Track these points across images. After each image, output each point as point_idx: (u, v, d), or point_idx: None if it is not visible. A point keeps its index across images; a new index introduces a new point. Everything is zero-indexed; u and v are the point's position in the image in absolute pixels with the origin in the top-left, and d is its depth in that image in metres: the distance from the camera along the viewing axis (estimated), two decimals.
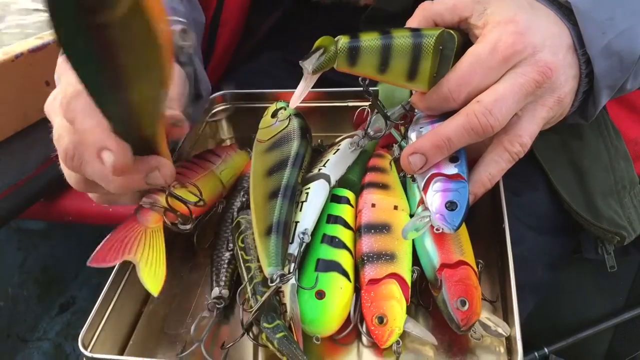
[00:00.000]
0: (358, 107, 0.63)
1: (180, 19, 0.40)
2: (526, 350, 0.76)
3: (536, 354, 0.76)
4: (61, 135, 0.44)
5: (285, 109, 0.55)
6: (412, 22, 0.51)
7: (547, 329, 0.79)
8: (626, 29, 0.48)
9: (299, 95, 0.46)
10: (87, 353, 0.43)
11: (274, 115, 0.55)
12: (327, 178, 0.49)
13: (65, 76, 0.45)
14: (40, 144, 1.03)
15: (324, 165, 0.50)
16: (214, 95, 0.67)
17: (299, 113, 0.54)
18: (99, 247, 0.48)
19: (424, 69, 0.47)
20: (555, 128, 0.53)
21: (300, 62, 0.44)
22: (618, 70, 0.49)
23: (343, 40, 0.45)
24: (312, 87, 0.49)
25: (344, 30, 0.76)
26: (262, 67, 0.78)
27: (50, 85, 1.01)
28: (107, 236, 0.48)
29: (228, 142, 0.72)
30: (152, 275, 0.46)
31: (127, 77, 0.33)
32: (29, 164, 1.02)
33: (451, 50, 0.47)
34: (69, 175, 0.47)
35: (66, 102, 0.42)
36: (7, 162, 0.98)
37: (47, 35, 1.02)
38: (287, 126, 0.52)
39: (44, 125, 1.07)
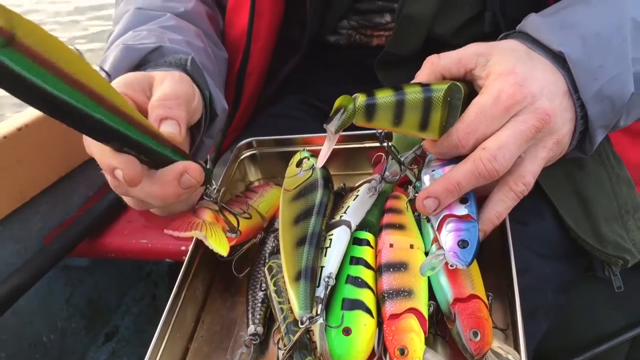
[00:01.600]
0: (374, 147, 0.67)
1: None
2: None
3: None
4: (101, 162, 0.49)
5: (308, 159, 0.59)
6: (420, 76, 0.56)
7: (565, 345, 0.82)
8: (615, 75, 0.52)
9: (325, 154, 0.51)
10: None
11: (298, 164, 0.60)
12: (348, 224, 0.53)
13: None
14: (82, 186, 1.10)
15: (345, 212, 0.55)
16: (240, 142, 0.72)
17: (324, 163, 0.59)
18: (175, 221, 0.57)
19: (434, 119, 0.51)
20: (559, 161, 0.57)
21: (324, 125, 0.49)
22: (610, 112, 0.53)
23: (360, 99, 0.49)
24: None
25: (359, 70, 0.82)
26: (284, 110, 0.83)
27: None
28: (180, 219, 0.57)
29: (257, 184, 0.77)
30: (219, 242, 0.55)
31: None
32: (72, 205, 1.08)
33: (459, 100, 0.52)
34: (126, 199, 0.54)
35: (84, 138, 0.49)
36: (52, 205, 1.04)
37: None
38: (310, 176, 0.57)
39: (84, 168, 1.14)
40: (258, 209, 0.62)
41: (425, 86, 0.52)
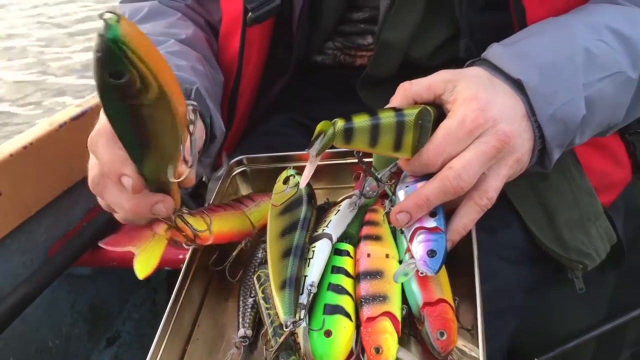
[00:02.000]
0: (356, 163, 0.72)
1: (193, 103, 0.51)
2: None
3: None
4: (91, 167, 0.56)
5: (294, 176, 0.65)
6: (394, 101, 0.61)
7: (539, 342, 0.87)
8: (568, 100, 0.58)
9: (307, 175, 0.56)
10: None
11: (285, 181, 0.65)
12: (329, 237, 0.58)
13: (97, 121, 0.57)
14: (83, 200, 1.15)
15: (327, 226, 0.60)
16: (232, 160, 0.77)
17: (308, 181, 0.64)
18: (113, 235, 0.61)
19: (407, 141, 0.56)
20: (524, 174, 0.62)
21: (306, 149, 0.53)
22: (564, 133, 0.59)
23: (339, 124, 0.54)
24: None
25: (344, 88, 0.87)
26: (273, 128, 0.88)
27: None
28: (124, 232, 0.60)
29: None
30: (143, 264, 0.58)
31: (152, 139, 0.47)
32: (74, 217, 1.13)
33: (429, 122, 0.57)
34: (99, 200, 0.58)
35: (90, 139, 0.54)
36: (56, 217, 1.09)
37: (85, 103, 1.14)
38: (296, 193, 0.62)
39: (85, 183, 1.19)
40: (250, 217, 0.67)
41: (398, 111, 0.57)
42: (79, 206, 1.14)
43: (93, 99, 1.16)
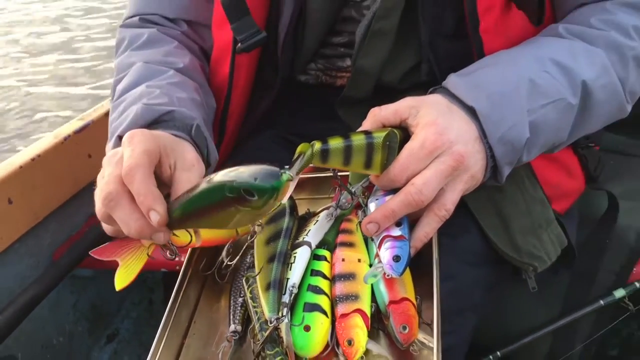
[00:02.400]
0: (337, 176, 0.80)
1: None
2: (481, 355, 0.93)
3: (490, 357, 0.93)
4: (109, 182, 0.59)
5: None
6: (365, 124, 0.69)
7: (500, 337, 0.95)
8: (514, 125, 0.66)
9: (288, 193, 0.63)
10: None
11: None
12: (309, 244, 0.66)
13: (127, 148, 0.61)
14: (85, 207, 1.22)
15: (307, 234, 0.68)
16: None
17: (290, 196, 0.72)
18: (103, 245, 0.67)
19: (376, 160, 0.64)
20: (482, 186, 0.70)
21: (286, 169, 0.59)
22: (512, 153, 0.67)
23: (316, 146, 0.62)
24: None
25: (326, 107, 0.94)
26: (261, 144, 0.95)
27: (92, 157, 1.20)
28: (113, 242, 0.66)
29: None
30: (123, 276, 0.65)
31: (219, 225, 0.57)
32: (77, 223, 1.21)
33: (395, 143, 0.65)
34: (99, 210, 0.62)
35: (128, 168, 0.58)
36: (60, 223, 1.16)
37: (87, 116, 1.22)
38: (279, 205, 0.70)
39: (87, 191, 1.28)
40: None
41: (368, 134, 0.65)
42: (82, 213, 1.21)
43: (95, 112, 1.24)
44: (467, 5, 0.74)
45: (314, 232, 0.68)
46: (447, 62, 0.80)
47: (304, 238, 0.67)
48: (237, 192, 0.51)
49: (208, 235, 0.69)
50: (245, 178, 0.51)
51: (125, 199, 0.58)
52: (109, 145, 0.74)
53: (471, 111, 0.67)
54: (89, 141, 1.18)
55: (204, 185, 0.55)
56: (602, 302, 0.93)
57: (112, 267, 1.12)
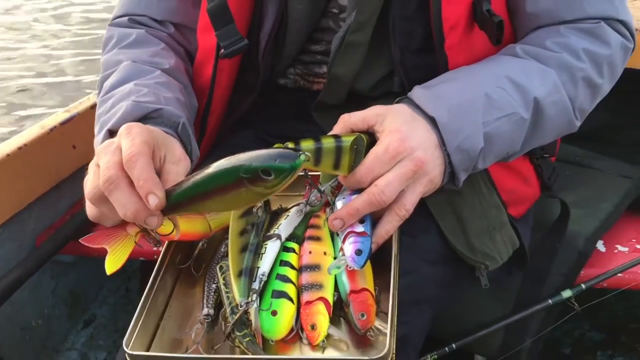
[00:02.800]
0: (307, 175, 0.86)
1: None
2: (439, 346, 0.98)
3: (446, 348, 0.99)
4: (109, 167, 0.62)
5: None
6: (336, 129, 0.75)
7: (455, 330, 1.01)
8: (469, 135, 0.72)
9: None
10: (128, 350, 0.63)
11: None
12: (279, 237, 0.71)
13: (126, 139, 0.64)
14: (69, 194, 1.26)
15: (278, 228, 0.73)
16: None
17: None
18: (92, 233, 0.69)
19: (344, 162, 0.70)
20: (442, 190, 0.76)
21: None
22: (467, 160, 0.73)
23: (289, 147, 0.67)
24: None
25: (302, 109, 0.99)
26: (239, 142, 1.00)
27: (76, 148, 1.24)
28: (100, 229, 0.69)
29: None
30: (113, 262, 0.68)
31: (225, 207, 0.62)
32: (60, 210, 1.24)
33: (362, 147, 0.71)
34: (93, 192, 0.65)
35: (130, 155, 0.62)
36: (44, 210, 1.20)
37: (73, 109, 1.26)
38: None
39: (71, 179, 1.31)
40: (210, 223, 0.78)
41: (337, 137, 0.70)
42: (65, 201, 1.25)
43: (80, 105, 1.27)
44: (434, 23, 0.80)
45: (284, 226, 0.73)
46: (415, 74, 0.86)
47: (274, 231, 0.72)
48: (254, 172, 0.57)
49: (186, 229, 0.73)
50: (265, 159, 0.57)
51: (124, 183, 0.62)
52: (99, 137, 0.77)
53: (432, 121, 0.72)
54: (74, 133, 1.22)
55: (212, 169, 0.60)
56: (550, 301, 1.00)
57: (92, 254, 1.17)
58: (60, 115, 1.22)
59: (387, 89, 0.90)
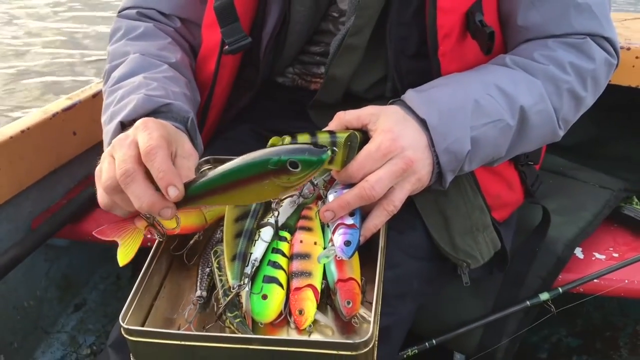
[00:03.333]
0: None
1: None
2: (419, 342, 1.02)
3: (427, 344, 1.02)
4: (125, 161, 0.65)
5: None
6: (331, 125, 0.78)
7: (436, 327, 1.04)
8: (457, 138, 0.75)
9: None
10: (124, 325, 0.65)
11: None
12: (272, 225, 0.74)
13: (143, 132, 0.67)
14: (66, 179, 1.28)
15: (271, 217, 0.76)
16: (201, 159, 0.92)
17: None
18: (104, 226, 0.71)
19: (337, 157, 0.73)
20: (429, 189, 0.79)
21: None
22: (455, 162, 0.76)
23: (286, 140, 0.70)
24: None
25: (299, 107, 1.03)
26: (237, 136, 1.02)
27: (76, 134, 1.26)
28: (112, 224, 0.72)
29: None
30: (124, 254, 0.71)
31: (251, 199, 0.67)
32: (57, 194, 1.27)
33: (355, 144, 0.74)
34: (108, 183, 0.67)
35: (150, 148, 0.65)
36: (41, 193, 1.22)
37: (75, 96, 1.28)
38: None
39: (70, 165, 1.34)
40: (206, 215, 0.80)
41: (332, 133, 0.74)
42: (62, 186, 1.27)
43: (82, 93, 1.30)
44: (429, 30, 0.83)
45: (280, 215, 0.76)
46: (409, 79, 0.89)
47: (268, 219, 0.75)
48: (282, 164, 0.60)
49: (184, 223, 0.76)
50: (296, 152, 0.61)
51: (140, 176, 0.65)
52: (109, 127, 0.79)
53: (423, 123, 0.76)
54: (75, 119, 1.25)
55: (240, 161, 0.63)
56: (528, 302, 1.03)
57: (86, 239, 1.20)
58: (62, 101, 1.24)
59: (382, 91, 0.94)
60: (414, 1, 0.85)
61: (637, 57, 1.31)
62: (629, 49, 1.32)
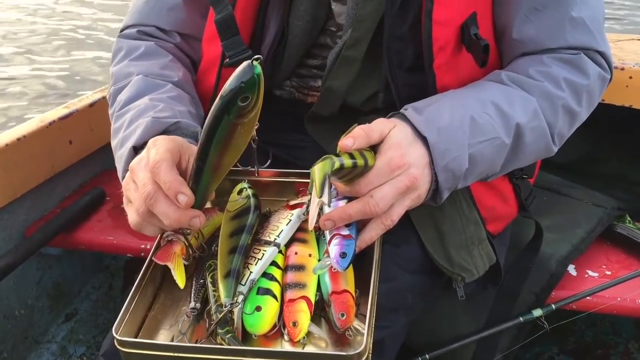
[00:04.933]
0: (296, 182, 0.88)
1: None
2: (411, 356, 1.01)
3: (420, 358, 1.01)
4: (145, 184, 0.69)
5: (246, 189, 0.80)
6: (360, 142, 0.74)
7: (429, 340, 1.04)
8: (455, 157, 0.76)
9: (313, 216, 0.71)
10: (117, 336, 0.65)
11: (239, 192, 0.81)
12: (278, 245, 0.74)
13: (152, 150, 0.71)
14: (60, 188, 1.28)
15: (278, 235, 0.75)
16: None
17: (255, 194, 0.80)
18: (157, 254, 0.74)
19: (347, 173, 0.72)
20: (420, 206, 0.79)
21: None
22: (452, 179, 0.77)
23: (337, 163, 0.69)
24: (270, 168, 0.83)
25: (296, 120, 1.02)
26: None
27: (72, 143, 1.26)
28: (160, 252, 0.74)
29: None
30: (180, 276, 0.72)
31: (225, 156, 0.66)
32: (51, 203, 1.26)
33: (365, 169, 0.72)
34: (133, 213, 0.71)
35: (154, 163, 0.69)
36: (35, 201, 1.22)
37: (72, 105, 1.28)
38: (246, 203, 0.78)
39: (64, 174, 1.33)
40: (203, 231, 0.79)
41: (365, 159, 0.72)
42: (57, 194, 1.26)
43: (80, 102, 1.30)
44: (424, 43, 0.84)
45: (285, 234, 0.76)
46: (405, 91, 0.90)
47: (275, 239, 0.75)
48: (235, 107, 0.61)
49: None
50: (233, 84, 0.60)
51: (161, 195, 0.68)
52: (121, 152, 0.81)
53: (424, 140, 0.76)
54: (72, 128, 1.25)
55: (205, 137, 0.65)
56: (521, 319, 1.03)
57: (79, 248, 1.19)
58: (59, 110, 1.24)
59: (378, 104, 0.94)
60: (410, 14, 0.86)
61: (630, 77, 1.32)
62: (622, 68, 1.33)
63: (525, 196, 1.02)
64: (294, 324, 0.67)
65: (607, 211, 1.21)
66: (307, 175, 0.77)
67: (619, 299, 1.05)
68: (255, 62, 0.60)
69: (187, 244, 0.74)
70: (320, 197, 0.68)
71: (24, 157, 1.13)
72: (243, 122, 0.63)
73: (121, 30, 1.01)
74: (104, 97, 1.33)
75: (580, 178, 1.37)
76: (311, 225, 0.72)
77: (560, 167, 1.36)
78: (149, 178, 0.69)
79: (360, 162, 0.71)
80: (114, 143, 0.85)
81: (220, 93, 0.63)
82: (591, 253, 1.16)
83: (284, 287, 0.71)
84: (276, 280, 0.72)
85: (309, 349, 0.67)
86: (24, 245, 1.11)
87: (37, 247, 1.13)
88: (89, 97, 1.33)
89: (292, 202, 0.82)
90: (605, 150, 1.41)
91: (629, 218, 1.24)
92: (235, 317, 0.68)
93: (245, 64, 0.61)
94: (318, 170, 0.69)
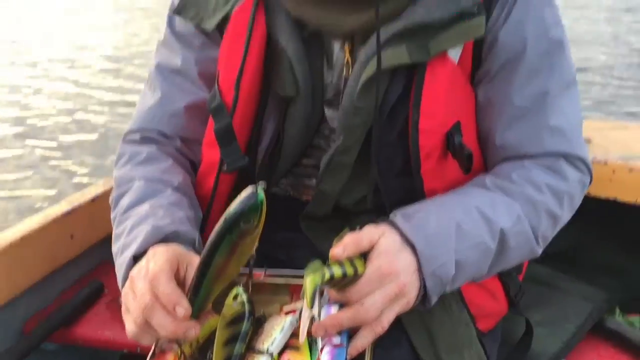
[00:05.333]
0: (291, 283, 0.91)
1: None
2: None
3: None
4: (143, 294, 0.72)
5: (241, 295, 0.83)
6: (350, 250, 0.78)
7: None
8: (443, 263, 0.79)
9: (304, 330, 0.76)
10: None
11: (234, 298, 0.83)
12: (271, 355, 0.76)
13: (151, 261, 0.75)
14: (60, 282, 1.30)
15: (271, 344, 0.77)
16: None
17: (250, 300, 0.82)
18: None
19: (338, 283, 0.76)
20: (410, 310, 0.81)
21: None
22: (440, 285, 0.80)
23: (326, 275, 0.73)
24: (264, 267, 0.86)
25: (290, 218, 1.06)
26: None
27: (73, 238, 1.29)
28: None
29: None
30: None
31: (227, 270, 0.71)
32: (50, 297, 1.27)
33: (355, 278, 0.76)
34: (131, 322, 0.74)
35: (153, 274, 0.72)
36: (35, 295, 1.23)
37: (75, 200, 1.32)
38: (241, 309, 0.80)
39: (65, 268, 1.34)
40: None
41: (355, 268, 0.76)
42: (55, 289, 1.28)
43: (82, 196, 1.34)
44: (412, 150, 0.88)
45: (278, 342, 0.78)
46: (394, 196, 0.94)
47: (268, 348, 0.77)
48: (238, 230, 0.68)
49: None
50: (238, 209, 0.68)
51: (159, 306, 0.71)
52: (121, 260, 0.85)
53: (412, 247, 0.79)
54: (73, 223, 1.28)
55: (207, 252, 0.70)
56: None
57: (76, 344, 1.19)
58: (61, 206, 1.28)
59: (368, 205, 0.98)
60: (398, 123, 0.91)
61: (613, 172, 1.37)
62: (606, 163, 1.38)
63: (514, 293, 1.05)
64: None
65: (596, 305, 1.23)
66: (301, 277, 0.80)
67: None
68: (259, 189, 0.66)
69: (181, 352, 0.76)
70: (311, 308, 0.71)
71: (27, 254, 1.16)
72: (244, 242, 0.67)
73: (125, 135, 1.07)
74: (105, 191, 1.37)
75: (569, 267, 1.40)
76: (302, 338, 0.75)
77: (548, 257, 1.38)
78: (147, 289, 0.72)
79: (349, 271, 0.75)
80: (114, 249, 0.89)
81: (224, 215, 0.68)
82: (582, 349, 1.17)
83: None
84: None
85: None
86: (23, 343, 1.12)
87: (36, 344, 1.13)
88: (90, 191, 1.37)
89: (286, 308, 0.85)
90: (592, 240, 1.44)
91: (618, 311, 1.26)
92: None
93: (249, 190, 0.67)
94: (309, 282, 0.72)
